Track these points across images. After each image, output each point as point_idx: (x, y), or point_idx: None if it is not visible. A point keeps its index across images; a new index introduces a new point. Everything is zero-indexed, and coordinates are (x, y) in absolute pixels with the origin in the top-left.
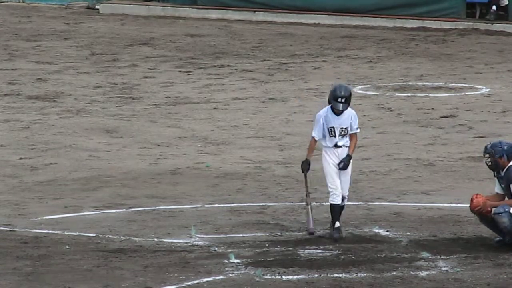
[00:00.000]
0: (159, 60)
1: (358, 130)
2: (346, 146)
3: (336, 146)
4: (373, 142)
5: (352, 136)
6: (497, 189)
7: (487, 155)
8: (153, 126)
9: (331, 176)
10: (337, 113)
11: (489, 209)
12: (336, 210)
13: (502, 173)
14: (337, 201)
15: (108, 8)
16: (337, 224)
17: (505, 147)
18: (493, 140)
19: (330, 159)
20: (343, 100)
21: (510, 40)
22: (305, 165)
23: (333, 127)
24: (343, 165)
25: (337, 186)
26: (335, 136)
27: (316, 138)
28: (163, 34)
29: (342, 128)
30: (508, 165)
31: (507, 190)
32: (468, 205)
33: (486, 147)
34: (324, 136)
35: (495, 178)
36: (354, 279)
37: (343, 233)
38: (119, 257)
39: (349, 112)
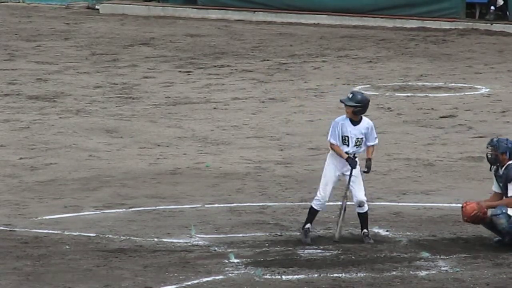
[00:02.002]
0: (159, 60)
1: (377, 141)
2: (355, 156)
3: (345, 154)
4: None
5: (369, 148)
6: (495, 187)
7: (490, 147)
8: (153, 126)
9: (326, 182)
10: (353, 119)
11: (485, 209)
12: (312, 214)
13: (501, 171)
14: (317, 207)
15: (108, 8)
16: (308, 225)
17: (510, 145)
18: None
19: (334, 165)
20: (350, 95)
21: (510, 40)
22: (353, 161)
23: (348, 136)
24: (367, 170)
25: (325, 195)
26: (348, 145)
27: (334, 143)
28: (163, 34)
29: (358, 138)
30: (508, 163)
31: (504, 188)
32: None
33: (492, 139)
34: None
35: (494, 177)
36: (354, 279)
37: (309, 238)
38: (119, 257)
39: (367, 123)
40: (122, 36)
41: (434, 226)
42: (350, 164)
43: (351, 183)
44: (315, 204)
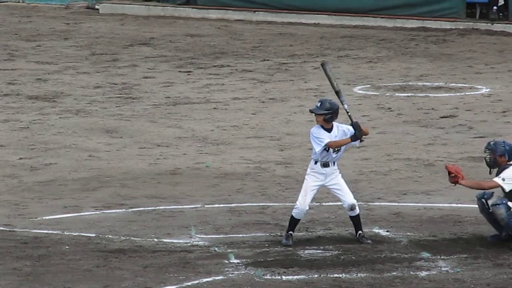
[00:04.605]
0: (159, 60)
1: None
2: (334, 162)
3: (324, 165)
4: (373, 142)
5: None
6: None
7: (488, 151)
8: (153, 126)
9: (306, 193)
10: (325, 127)
11: (460, 175)
12: (292, 222)
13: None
14: (297, 216)
15: (108, 8)
16: (290, 232)
17: (508, 147)
18: (497, 138)
19: (315, 177)
20: (318, 104)
21: (511, 40)
22: (357, 126)
23: None
24: (359, 134)
25: (304, 204)
26: (328, 150)
27: (328, 141)
28: (163, 34)
29: None
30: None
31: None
32: (468, 206)
33: (489, 143)
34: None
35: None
36: (354, 279)
37: (290, 240)
38: (119, 257)
39: (336, 127)
40: (122, 36)
41: (435, 226)
42: (356, 133)
43: (336, 191)
44: (294, 213)
